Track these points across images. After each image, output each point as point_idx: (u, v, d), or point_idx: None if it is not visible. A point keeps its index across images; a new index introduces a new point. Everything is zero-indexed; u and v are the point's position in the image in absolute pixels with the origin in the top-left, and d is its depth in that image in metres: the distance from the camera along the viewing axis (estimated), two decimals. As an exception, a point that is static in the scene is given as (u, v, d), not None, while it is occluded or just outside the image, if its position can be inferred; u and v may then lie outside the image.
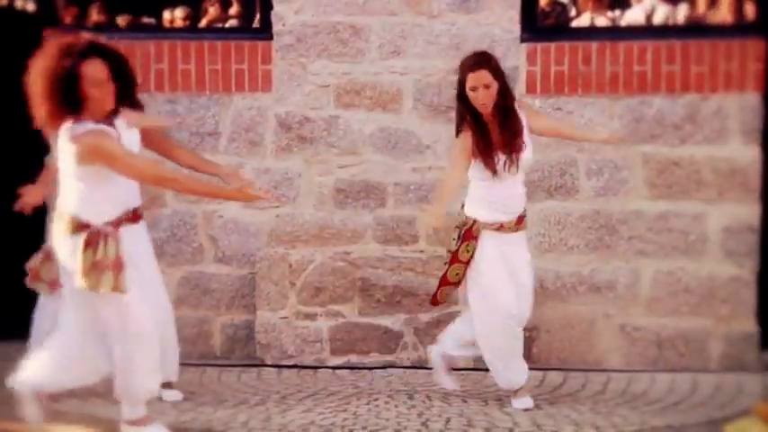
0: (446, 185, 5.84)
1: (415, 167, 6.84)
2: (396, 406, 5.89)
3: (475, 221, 5.78)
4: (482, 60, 5.72)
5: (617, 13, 7.72)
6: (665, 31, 7.28)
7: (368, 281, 6.82)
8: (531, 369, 6.63)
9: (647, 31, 7.29)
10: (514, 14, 6.76)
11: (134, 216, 5.22)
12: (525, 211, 5.85)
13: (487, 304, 5.73)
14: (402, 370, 6.74)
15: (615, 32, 7.26)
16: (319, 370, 6.75)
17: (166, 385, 5.95)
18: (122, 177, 4.92)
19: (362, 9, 6.79)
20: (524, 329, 6.70)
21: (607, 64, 6.71)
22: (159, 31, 7.50)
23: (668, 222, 6.67)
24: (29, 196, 5.94)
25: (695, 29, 7.30)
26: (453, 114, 6.75)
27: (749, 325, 6.77)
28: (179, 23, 7.69)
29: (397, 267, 6.83)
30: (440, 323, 6.80)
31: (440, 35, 6.79)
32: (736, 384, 6.08)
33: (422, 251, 6.83)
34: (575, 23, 7.50)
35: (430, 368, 6.75)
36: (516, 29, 6.77)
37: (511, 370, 5.82)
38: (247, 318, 6.85)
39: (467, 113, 5.73)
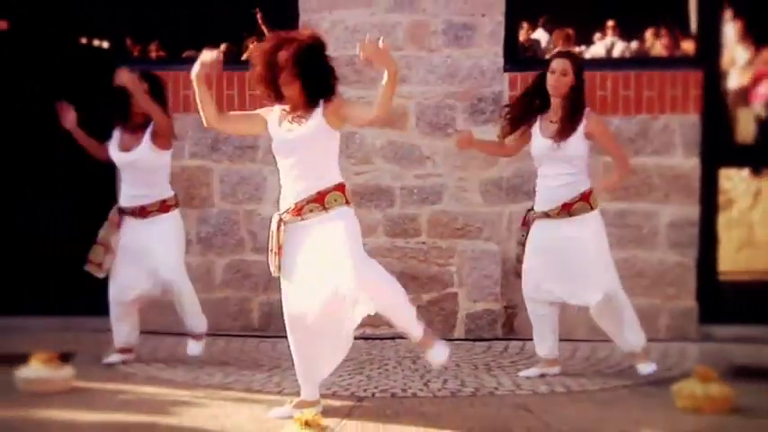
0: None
1: (417, 174, 6.82)
2: (402, 370, 5.88)
3: (529, 211, 5.67)
4: (570, 55, 5.62)
5: (582, 47, 7.70)
6: (622, 63, 7.30)
7: (379, 267, 6.80)
8: (512, 340, 6.69)
9: (607, 62, 7.30)
10: (498, 49, 6.75)
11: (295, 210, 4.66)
12: (574, 199, 5.47)
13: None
14: (407, 340, 6.70)
15: (581, 64, 7.23)
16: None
17: (195, 337, 5.98)
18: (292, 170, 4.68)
19: (374, 45, 6.76)
20: (507, 307, 6.75)
21: (575, 89, 6.69)
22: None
23: (625, 219, 6.65)
24: (67, 113, 5.97)
25: (646, 61, 7.30)
26: (449, 130, 6.78)
27: (690, 302, 6.77)
28: (223, 57, 7.66)
29: (402, 256, 6.82)
30: (438, 302, 6.80)
31: (438, 66, 6.78)
32: (679, 351, 6.08)
33: (423, 243, 6.81)
34: (548, 56, 7.46)
35: (430, 338, 6.78)
36: (500, 61, 6.76)
37: (539, 339, 5.72)
38: (280, 297, 6.76)
39: (532, 88, 5.61)
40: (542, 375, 5.68)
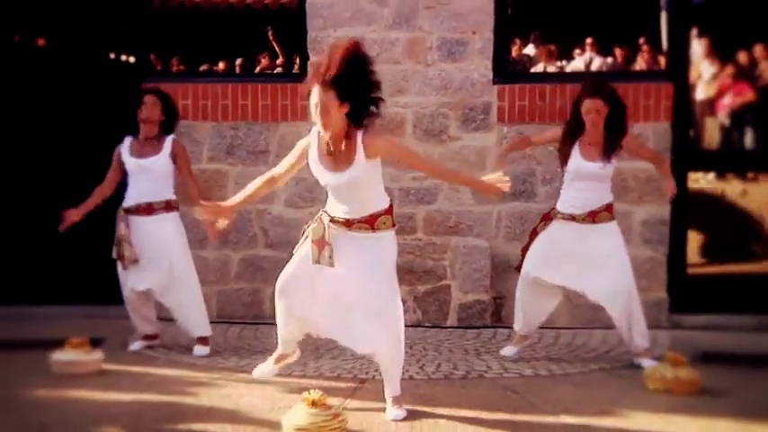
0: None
1: (414, 177, 6.81)
2: (400, 354, 5.87)
3: (553, 208, 5.62)
4: (598, 89, 5.40)
5: (564, 62, 7.71)
6: (600, 76, 7.26)
7: (379, 261, 6.79)
8: (500, 327, 6.68)
9: (587, 76, 7.27)
10: (488, 63, 6.75)
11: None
12: (600, 208, 5.47)
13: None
14: (406, 328, 6.69)
15: (562, 77, 7.27)
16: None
17: (201, 341, 5.91)
18: (340, 197, 4.39)
19: (375, 59, 6.68)
20: (496, 297, 6.74)
21: (557, 100, 6.70)
22: (225, 76, 7.50)
23: (602, 218, 6.64)
24: (70, 216, 5.77)
25: (622, 74, 7.31)
26: (443, 137, 6.78)
27: (661, 294, 6.77)
28: (238, 70, 7.69)
29: (401, 252, 6.67)
30: (433, 293, 6.80)
31: (433, 78, 6.78)
32: (652, 338, 6.05)
33: (420, 239, 6.81)
34: (533, 70, 7.49)
35: (426, 326, 6.77)
36: (489, 74, 6.76)
37: (519, 315, 5.70)
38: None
39: (573, 121, 5.49)
40: (518, 353, 5.71)
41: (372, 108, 4.28)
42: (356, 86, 4.19)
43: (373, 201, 4.43)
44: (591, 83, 5.54)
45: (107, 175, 5.94)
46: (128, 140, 5.94)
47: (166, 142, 5.89)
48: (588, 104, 5.42)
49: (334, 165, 4.32)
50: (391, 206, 4.50)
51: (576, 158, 5.52)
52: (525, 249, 5.76)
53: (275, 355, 4.88)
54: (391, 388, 4.60)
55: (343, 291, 4.47)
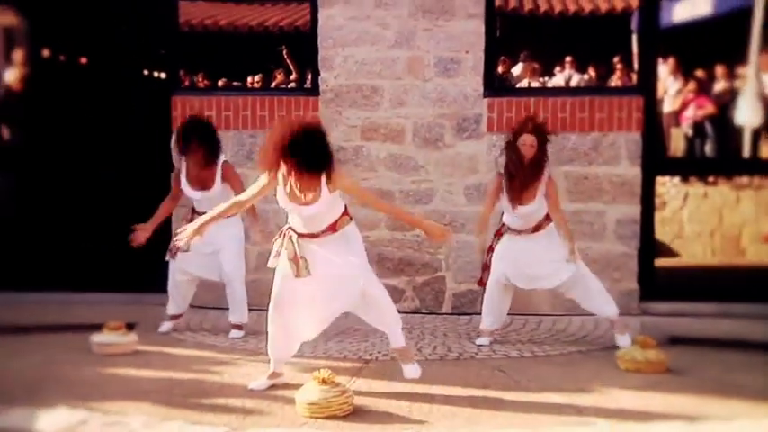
0: (482, 214, 5.66)
1: (413, 180, 6.81)
2: (400, 337, 5.87)
3: (503, 225, 5.64)
4: (533, 128, 5.45)
5: (546, 78, 7.71)
6: (578, 90, 7.29)
7: (382, 254, 6.80)
8: (489, 313, 6.65)
9: (566, 90, 7.30)
10: (479, 79, 6.74)
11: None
12: (541, 223, 5.50)
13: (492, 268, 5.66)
14: (404, 314, 6.66)
15: (545, 91, 7.25)
16: (349, 314, 6.70)
17: (236, 326, 5.93)
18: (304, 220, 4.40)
19: (378, 75, 6.78)
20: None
21: (540, 112, 6.67)
22: (245, 90, 7.50)
23: (580, 217, 6.64)
24: (140, 233, 5.71)
25: (598, 90, 7.30)
26: (439, 144, 6.77)
27: (632, 284, 6.75)
28: (256, 85, 7.68)
29: (401, 246, 6.82)
30: (430, 283, 6.80)
31: (430, 92, 6.77)
32: (623, 323, 6.05)
33: (418, 235, 6.79)
34: (518, 85, 7.48)
35: (423, 313, 6.77)
36: (480, 88, 6.75)
37: (488, 313, 5.69)
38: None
39: (512, 156, 5.44)
40: (491, 342, 5.66)
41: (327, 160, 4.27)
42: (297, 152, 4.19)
43: (333, 215, 4.46)
44: (527, 123, 5.54)
45: (171, 191, 5.92)
46: (183, 168, 5.83)
47: (218, 168, 5.81)
48: (523, 138, 5.42)
49: (303, 200, 4.33)
50: (345, 207, 4.52)
51: (508, 210, 5.52)
52: (486, 266, 5.75)
53: (269, 373, 4.74)
54: (395, 338, 4.61)
55: (327, 290, 4.47)
